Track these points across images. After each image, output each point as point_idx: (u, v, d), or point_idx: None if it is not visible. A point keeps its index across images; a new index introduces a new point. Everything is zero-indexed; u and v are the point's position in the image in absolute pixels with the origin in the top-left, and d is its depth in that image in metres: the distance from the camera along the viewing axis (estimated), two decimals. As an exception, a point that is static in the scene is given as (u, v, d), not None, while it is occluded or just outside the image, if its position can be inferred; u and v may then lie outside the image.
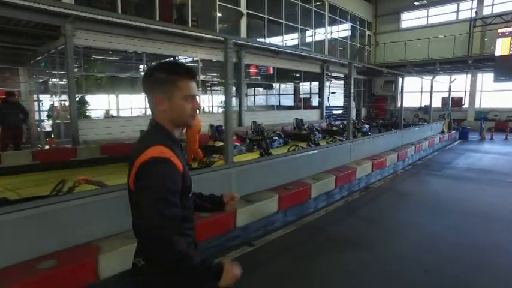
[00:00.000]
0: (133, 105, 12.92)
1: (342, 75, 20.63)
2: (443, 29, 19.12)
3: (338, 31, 19.27)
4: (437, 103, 19.34)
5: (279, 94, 18.00)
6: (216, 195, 1.66)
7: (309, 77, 18.35)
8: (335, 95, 20.58)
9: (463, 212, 4.92)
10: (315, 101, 19.04)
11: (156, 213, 1.12)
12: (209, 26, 12.06)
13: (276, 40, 15.45)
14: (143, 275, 1.26)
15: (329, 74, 19.13)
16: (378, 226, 4.49)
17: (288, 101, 19.32)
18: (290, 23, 15.22)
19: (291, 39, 16.67)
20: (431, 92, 11.71)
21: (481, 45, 17.89)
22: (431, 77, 12.55)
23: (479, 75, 18.65)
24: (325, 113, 18.10)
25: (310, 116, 16.81)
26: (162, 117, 1.31)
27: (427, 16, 20.46)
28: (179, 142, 1.38)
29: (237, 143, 9.53)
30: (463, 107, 18.99)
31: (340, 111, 20.25)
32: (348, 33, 20.49)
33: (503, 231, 4.25)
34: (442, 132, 12.69)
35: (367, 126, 16.99)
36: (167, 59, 10.16)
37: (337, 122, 16.98)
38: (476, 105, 19.01)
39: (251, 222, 3.81)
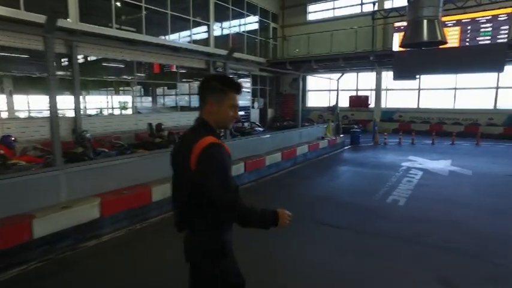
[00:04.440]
0: None
1: (247, 73, 18.39)
2: (349, 22, 17.55)
3: (232, 26, 16.86)
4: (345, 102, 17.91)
5: (151, 95, 15.23)
6: None
7: (200, 74, 15.84)
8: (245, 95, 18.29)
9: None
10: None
11: (224, 188, 1.49)
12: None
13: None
14: (188, 245, 1.64)
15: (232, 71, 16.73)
16: None
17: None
18: (154, 7, 12.46)
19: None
20: (302, 90, 9.62)
21: (384, 41, 16.53)
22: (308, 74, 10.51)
23: (384, 73, 17.32)
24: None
25: (191, 119, 14.18)
26: (210, 118, 1.63)
27: (333, 8, 18.88)
28: (220, 136, 1.67)
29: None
30: (369, 106, 17.57)
31: (242, 112, 17.94)
32: (249, 26, 18.34)
33: None
34: (323, 137, 10.70)
35: (260, 129, 14.86)
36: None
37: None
38: (383, 105, 17.71)
39: None
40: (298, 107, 9.79)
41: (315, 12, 19.59)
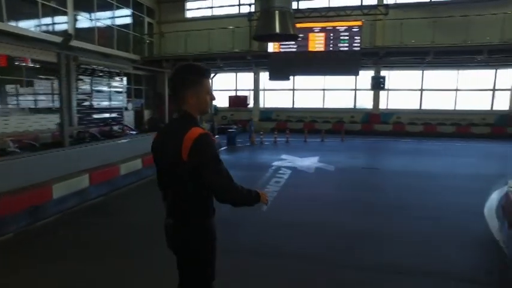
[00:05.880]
0: None
1: (118, 71, 16.46)
2: (227, 22, 17.38)
3: (101, 18, 14.85)
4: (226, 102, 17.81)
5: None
6: None
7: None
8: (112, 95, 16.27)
9: None
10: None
11: (220, 175, 1.60)
12: None
13: None
14: (176, 232, 1.73)
15: (89, 67, 14.61)
16: None
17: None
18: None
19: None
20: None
21: (260, 42, 16.84)
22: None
23: (262, 73, 17.81)
24: (79, 116, 13.45)
25: (46, 122, 11.90)
26: (192, 108, 1.71)
27: (212, 7, 18.55)
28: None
29: None
30: (248, 106, 17.82)
31: (114, 114, 16.01)
32: (121, 19, 16.59)
33: None
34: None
35: (133, 132, 13.44)
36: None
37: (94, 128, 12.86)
38: (262, 105, 18.23)
39: None
40: (165, 107, 8.95)
41: (193, 10, 18.95)
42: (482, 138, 14.11)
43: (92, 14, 14.57)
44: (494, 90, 15.77)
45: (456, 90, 16.03)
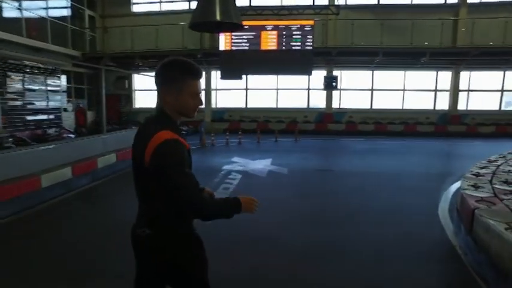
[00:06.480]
0: None
1: (53, 67, 14.86)
2: (176, 18, 16.43)
3: (31, 8, 13.28)
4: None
5: None
6: None
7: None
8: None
9: None
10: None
11: (183, 186, 1.40)
12: None
13: None
14: (152, 242, 1.51)
15: (18, 62, 12.97)
16: None
17: None
18: None
19: None
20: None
21: (212, 39, 16.21)
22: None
23: (214, 72, 17.17)
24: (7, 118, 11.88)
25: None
26: (169, 108, 1.53)
27: (160, 1, 17.53)
28: (179, 128, 1.59)
29: None
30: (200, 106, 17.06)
31: (51, 116, 14.41)
32: (58, 11, 15.09)
33: None
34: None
35: (71, 135, 12.17)
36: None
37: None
38: (214, 105, 17.60)
39: None
40: (102, 108, 8.00)
41: (140, 4, 17.79)
42: (427, 136, 14.72)
43: (19, 2, 12.96)
44: (436, 90, 16.60)
45: (403, 90, 16.62)
